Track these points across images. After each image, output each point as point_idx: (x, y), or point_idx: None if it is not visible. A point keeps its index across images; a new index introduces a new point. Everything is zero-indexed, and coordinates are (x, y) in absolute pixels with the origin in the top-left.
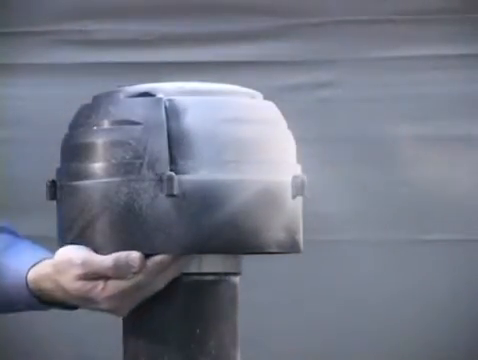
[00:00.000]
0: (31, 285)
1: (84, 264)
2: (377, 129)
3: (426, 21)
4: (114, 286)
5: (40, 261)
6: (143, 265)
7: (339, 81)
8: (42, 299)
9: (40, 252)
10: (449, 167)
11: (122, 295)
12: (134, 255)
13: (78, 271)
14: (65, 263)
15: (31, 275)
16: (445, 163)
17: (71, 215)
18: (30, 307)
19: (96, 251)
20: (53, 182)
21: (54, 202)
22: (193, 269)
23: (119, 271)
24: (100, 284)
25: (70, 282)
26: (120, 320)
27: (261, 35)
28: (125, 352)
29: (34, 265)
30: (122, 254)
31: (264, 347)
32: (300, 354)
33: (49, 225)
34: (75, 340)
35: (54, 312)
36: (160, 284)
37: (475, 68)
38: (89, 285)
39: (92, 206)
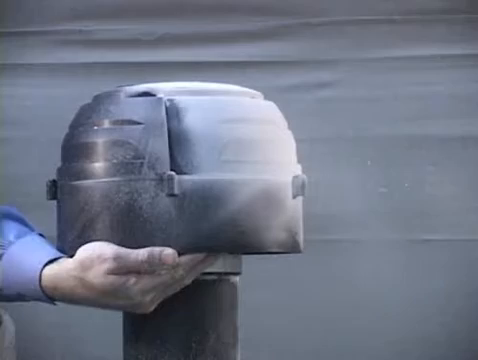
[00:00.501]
0: (45, 283)
1: (116, 259)
2: (377, 129)
3: (426, 21)
4: (148, 280)
5: (56, 259)
6: (175, 261)
7: (339, 81)
8: (54, 297)
9: (51, 248)
10: (449, 167)
11: (155, 290)
12: (168, 251)
13: (110, 265)
14: (94, 259)
15: (48, 273)
16: (445, 163)
17: (72, 214)
18: (37, 300)
19: None
20: (53, 182)
21: (55, 202)
22: None
23: (152, 266)
24: (132, 278)
25: (100, 277)
26: (120, 320)
27: (261, 35)
28: (125, 352)
29: (49, 262)
30: (156, 249)
31: (264, 347)
32: (300, 354)
33: (49, 225)
34: (75, 340)
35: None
36: (188, 281)
37: (475, 68)
38: (122, 279)
39: (92, 205)
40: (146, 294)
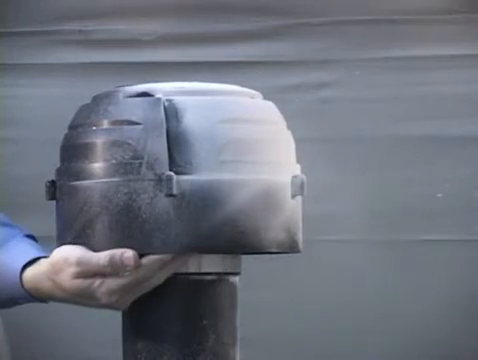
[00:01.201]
0: (27, 285)
1: (79, 263)
2: (377, 129)
3: (426, 21)
4: (112, 282)
5: (35, 260)
6: (137, 263)
7: (339, 81)
8: (39, 298)
9: (32, 249)
10: (449, 167)
11: (121, 291)
12: (128, 254)
13: (74, 269)
14: (61, 262)
15: (28, 274)
16: (445, 163)
17: (71, 215)
18: (29, 301)
19: (95, 251)
20: (52, 182)
21: (54, 202)
22: (193, 269)
23: (114, 269)
24: (97, 281)
25: (68, 281)
26: (120, 320)
27: (261, 35)
28: (125, 352)
29: (28, 264)
30: (117, 252)
31: (264, 347)
32: (300, 354)
33: (49, 225)
34: (75, 340)
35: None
36: (158, 280)
37: (475, 68)
38: (87, 282)
39: (91, 206)
40: (113, 295)
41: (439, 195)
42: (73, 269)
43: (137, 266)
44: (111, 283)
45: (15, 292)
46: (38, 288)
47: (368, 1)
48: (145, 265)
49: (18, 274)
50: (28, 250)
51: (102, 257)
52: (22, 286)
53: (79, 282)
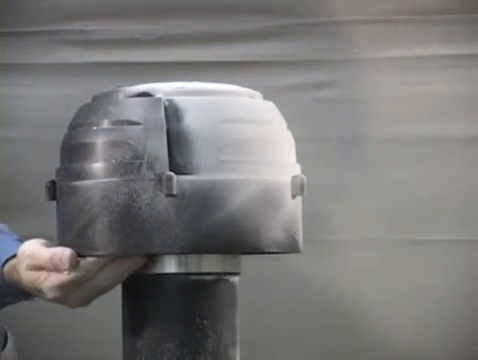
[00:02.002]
0: (8, 279)
1: (31, 256)
2: (377, 129)
3: (426, 21)
4: (54, 278)
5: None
6: (73, 263)
7: (339, 81)
8: (20, 290)
9: (10, 245)
10: (449, 167)
11: (63, 287)
12: (66, 253)
13: (27, 261)
14: (20, 255)
15: (6, 269)
16: (445, 163)
17: (71, 215)
18: (17, 299)
19: (96, 251)
20: (53, 182)
21: (54, 202)
22: (193, 269)
23: (54, 265)
24: (43, 274)
25: (23, 272)
26: (120, 320)
27: (261, 35)
28: (125, 352)
29: (9, 259)
30: (59, 250)
31: (264, 347)
32: (300, 354)
33: (49, 225)
34: (75, 340)
35: (53, 311)
36: (106, 282)
37: (475, 68)
38: (35, 275)
39: (91, 206)
40: (56, 291)
41: (439, 195)
42: (27, 261)
43: (74, 266)
44: (53, 279)
45: (2, 290)
46: (15, 281)
47: (368, 1)
48: (82, 266)
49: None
50: (11, 245)
51: (45, 253)
52: (5, 281)
53: (30, 274)
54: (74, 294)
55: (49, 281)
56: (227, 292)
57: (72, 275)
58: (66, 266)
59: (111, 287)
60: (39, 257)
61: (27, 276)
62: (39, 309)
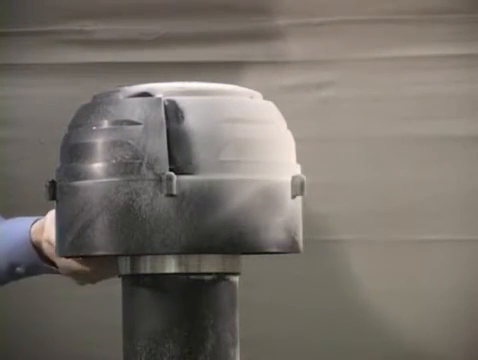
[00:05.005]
0: (33, 232)
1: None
2: (377, 129)
3: (426, 21)
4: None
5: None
6: None
7: (339, 81)
8: (42, 253)
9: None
10: (449, 167)
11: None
12: None
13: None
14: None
15: (33, 228)
16: (445, 163)
17: (70, 215)
18: (29, 268)
19: (96, 251)
20: (52, 182)
21: (54, 202)
22: (193, 269)
23: None
24: None
25: (43, 242)
26: (120, 320)
27: (261, 35)
28: (125, 352)
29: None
30: None
31: (264, 347)
32: (300, 354)
33: None
34: (75, 340)
35: (54, 312)
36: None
37: (475, 68)
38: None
39: (91, 206)
40: (68, 271)
41: (439, 195)
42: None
43: None
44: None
45: (21, 254)
46: (39, 241)
47: (368, 1)
48: None
49: (28, 229)
50: (30, 218)
51: None
52: (31, 241)
53: (48, 246)
54: (86, 277)
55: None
56: (227, 292)
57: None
58: None
59: None
60: None
61: (46, 247)
62: (40, 310)
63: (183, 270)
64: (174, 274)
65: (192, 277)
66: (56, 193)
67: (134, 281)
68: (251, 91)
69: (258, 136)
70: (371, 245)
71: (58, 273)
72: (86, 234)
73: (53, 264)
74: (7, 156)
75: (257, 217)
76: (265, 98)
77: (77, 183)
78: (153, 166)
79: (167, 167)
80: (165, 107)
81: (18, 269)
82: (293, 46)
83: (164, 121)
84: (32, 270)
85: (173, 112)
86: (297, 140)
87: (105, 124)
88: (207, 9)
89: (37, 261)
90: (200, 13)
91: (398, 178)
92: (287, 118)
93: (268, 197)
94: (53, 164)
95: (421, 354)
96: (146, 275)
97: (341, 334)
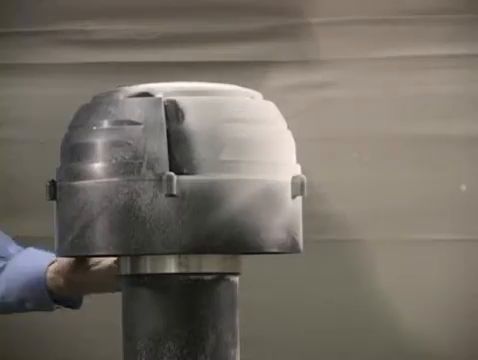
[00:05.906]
0: (50, 272)
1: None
2: (377, 129)
3: (426, 21)
4: None
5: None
6: None
7: (339, 81)
8: (54, 290)
9: (51, 254)
10: (449, 167)
11: None
12: None
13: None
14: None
15: (49, 270)
16: (445, 163)
17: (71, 215)
18: (38, 304)
19: (95, 251)
20: (53, 182)
21: (54, 202)
22: (193, 269)
23: None
24: None
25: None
26: (120, 320)
27: (261, 35)
28: (125, 352)
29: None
30: None
31: (264, 347)
32: (300, 354)
33: (49, 225)
34: (75, 340)
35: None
36: None
37: (475, 68)
38: None
39: (92, 206)
40: None
41: (439, 195)
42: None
43: None
44: None
45: (30, 288)
46: (59, 271)
47: (368, 1)
48: None
49: (44, 270)
50: (46, 254)
51: None
52: (45, 281)
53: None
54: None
55: None
56: (227, 292)
57: None
58: None
59: None
60: None
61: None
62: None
63: (183, 270)
64: (174, 274)
65: (192, 277)
66: (56, 193)
67: (134, 281)
68: (251, 91)
69: (258, 136)
70: (371, 245)
71: (70, 307)
72: (86, 234)
73: (62, 302)
74: (7, 156)
75: (257, 217)
76: (266, 98)
77: (77, 183)
78: (153, 166)
79: (167, 167)
80: (165, 107)
81: (27, 304)
82: (293, 46)
83: (164, 121)
84: (40, 307)
85: (173, 112)
86: (297, 140)
87: (105, 124)
88: (207, 9)
89: (48, 300)
90: (200, 13)
91: (398, 178)
92: (287, 118)
93: (268, 197)
94: (53, 164)
95: (421, 353)
96: (146, 275)
97: (341, 333)
